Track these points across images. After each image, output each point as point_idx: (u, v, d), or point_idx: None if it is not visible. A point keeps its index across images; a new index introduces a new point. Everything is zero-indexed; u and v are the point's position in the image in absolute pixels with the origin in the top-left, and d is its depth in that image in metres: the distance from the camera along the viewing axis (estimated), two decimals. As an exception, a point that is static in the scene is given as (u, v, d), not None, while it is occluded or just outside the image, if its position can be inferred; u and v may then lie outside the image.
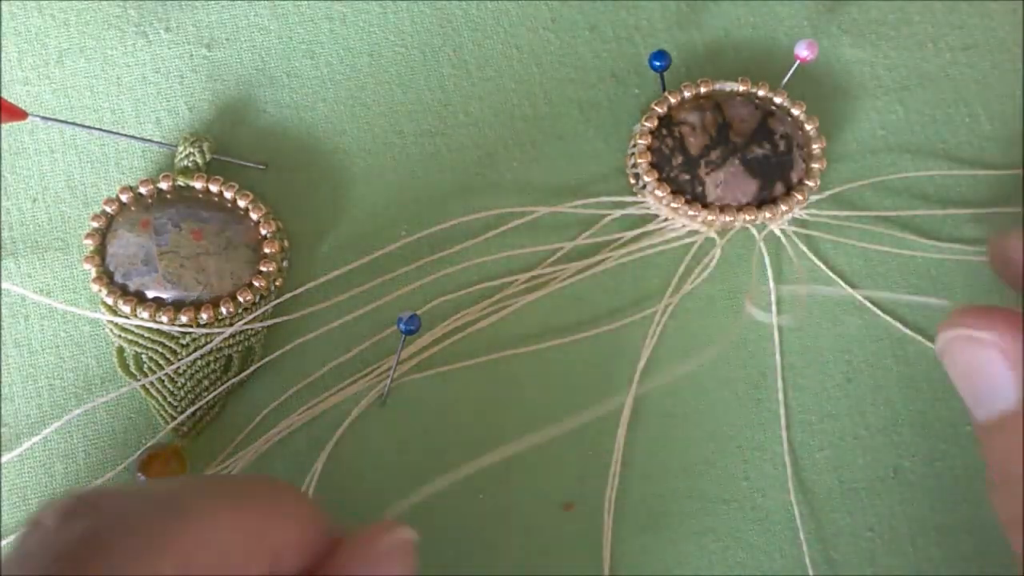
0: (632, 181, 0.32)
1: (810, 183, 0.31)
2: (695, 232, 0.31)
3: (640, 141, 0.31)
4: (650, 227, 0.32)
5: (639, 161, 0.31)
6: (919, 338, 0.31)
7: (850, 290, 0.32)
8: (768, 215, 0.31)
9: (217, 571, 0.21)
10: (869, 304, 0.32)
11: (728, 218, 0.31)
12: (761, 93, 0.32)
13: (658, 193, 0.31)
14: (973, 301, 0.32)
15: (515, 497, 0.30)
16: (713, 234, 0.31)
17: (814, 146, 0.31)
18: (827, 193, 0.32)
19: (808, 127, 0.31)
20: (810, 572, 0.30)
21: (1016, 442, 0.25)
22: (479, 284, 0.31)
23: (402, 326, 0.28)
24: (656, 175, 0.31)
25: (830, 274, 0.32)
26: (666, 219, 0.32)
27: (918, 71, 0.33)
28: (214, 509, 0.22)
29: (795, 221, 0.32)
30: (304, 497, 0.25)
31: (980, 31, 0.34)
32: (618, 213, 0.32)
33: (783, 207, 0.31)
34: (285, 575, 0.23)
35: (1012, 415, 0.26)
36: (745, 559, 0.30)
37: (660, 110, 0.31)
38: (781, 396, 0.31)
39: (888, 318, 0.31)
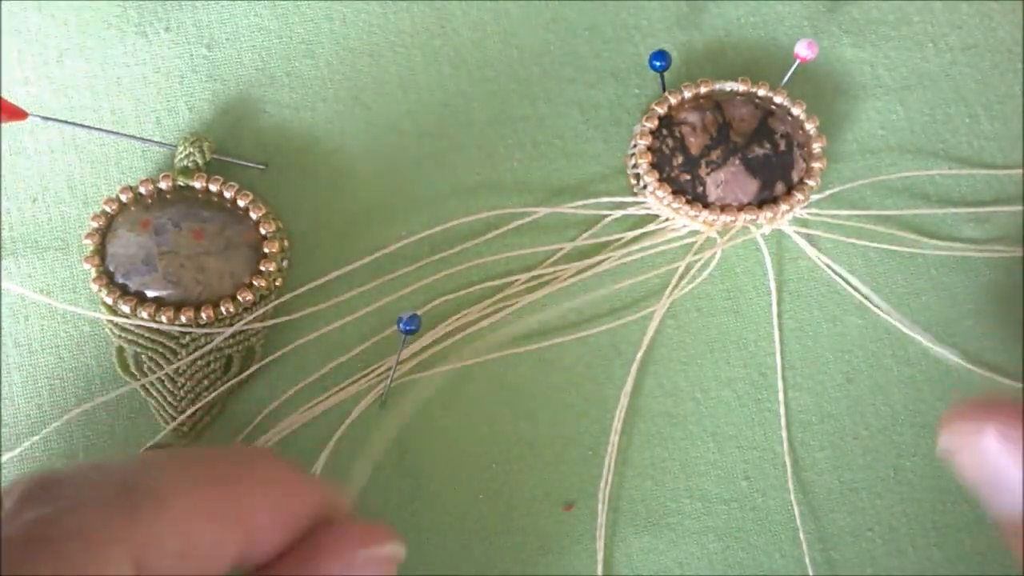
0: (633, 181, 0.32)
1: (811, 182, 0.31)
2: (696, 232, 0.31)
3: (640, 141, 0.31)
4: (651, 227, 0.32)
5: (640, 161, 0.31)
6: (919, 338, 0.31)
7: (851, 290, 0.32)
8: (769, 214, 0.31)
9: (182, 560, 0.20)
10: (869, 304, 0.32)
11: (729, 218, 0.31)
12: (761, 93, 0.32)
13: (659, 193, 0.31)
14: (973, 301, 0.32)
15: (515, 497, 0.30)
16: (714, 234, 0.31)
17: (814, 145, 0.31)
18: (827, 192, 0.32)
19: (808, 126, 0.31)
20: (810, 572, 0.30)
21: None
22: (479, 284, 0.31)
23: (402, 326, 0.27)
24: (657, 175, 0.31)
25: (831, 274, 0.32)
26: (667, 219, 0.32)
27: (918, 71, 0.33)
28: (182, 490, 0.21)
29: (796, 220, 0.32)
30: (289, 468, 0.23)
31: (980, 31, 0.34)
32: (619, 213, 0.32)
33: (784, 206, 0.31)
34: (260, 557, 0.22)
35: None
36: (745, 559, 0.30)
37: (660, 110, 0.31)
38: (781, 396, 0.31)
39: (888, 318, 0.31)
